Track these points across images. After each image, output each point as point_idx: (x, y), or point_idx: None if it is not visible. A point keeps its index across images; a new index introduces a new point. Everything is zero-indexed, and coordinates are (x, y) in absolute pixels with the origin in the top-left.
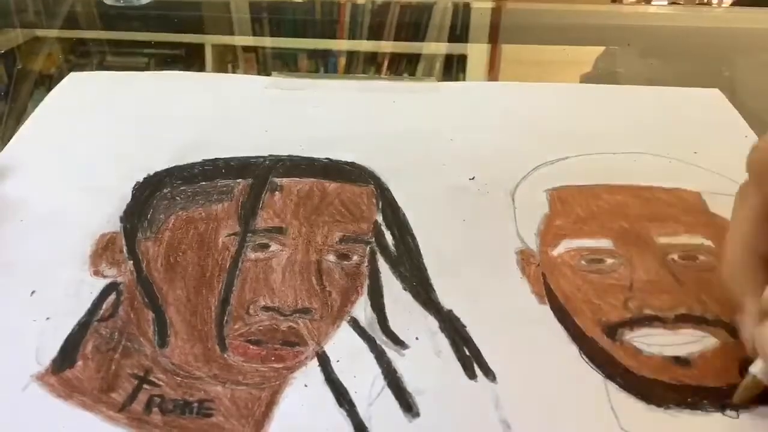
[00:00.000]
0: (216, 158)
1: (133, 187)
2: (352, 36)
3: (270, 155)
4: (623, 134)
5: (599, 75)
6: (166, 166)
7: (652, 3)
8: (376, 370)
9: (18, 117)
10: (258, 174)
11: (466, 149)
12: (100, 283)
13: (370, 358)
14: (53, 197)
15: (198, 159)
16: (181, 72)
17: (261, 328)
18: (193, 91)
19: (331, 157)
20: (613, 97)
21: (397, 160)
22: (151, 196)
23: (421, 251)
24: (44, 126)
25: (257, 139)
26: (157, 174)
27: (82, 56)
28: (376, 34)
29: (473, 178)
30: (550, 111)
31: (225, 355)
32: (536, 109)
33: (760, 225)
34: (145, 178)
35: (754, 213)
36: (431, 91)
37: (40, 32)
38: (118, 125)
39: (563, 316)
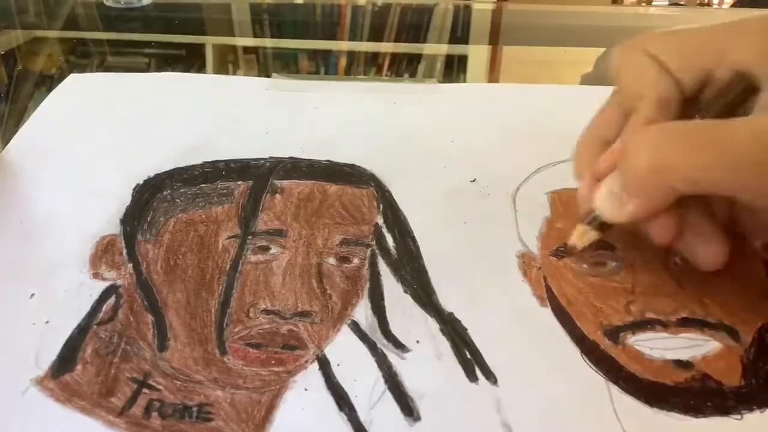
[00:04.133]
0: (216, 160)
1: (133, 189)
2: (353, 37)
3: (270, 157)
4: None
5: (600, 76)
6: (167, 168)
7: (653, 4)
8: (376, 373)
9: (18, 117)
10: (258, 176)
11: (467, 151)
12: (100, 286)
13: (370, 361)
14: (53, 199)
15: (198, 161)
16: (182, 74)
17: (261, 331)
18: (193, 93)
19: (331, 159)
20: None
21: (398, 162)
22: (151, 198)
23: (422, 254)
24: (44, 127)
25: (258, 140)
26: (157, 176)
27: (82, 57)
28: (376, 35)
29: (474, 180)
30: (552, 113)
31: (225, 359)
32: (537, 110)
33: (611, 113)
34: (145, 180)
35: (610, 104)
36: (432, 92)
37: (40, 33)
38: (119, 127)
39: (565, 319)
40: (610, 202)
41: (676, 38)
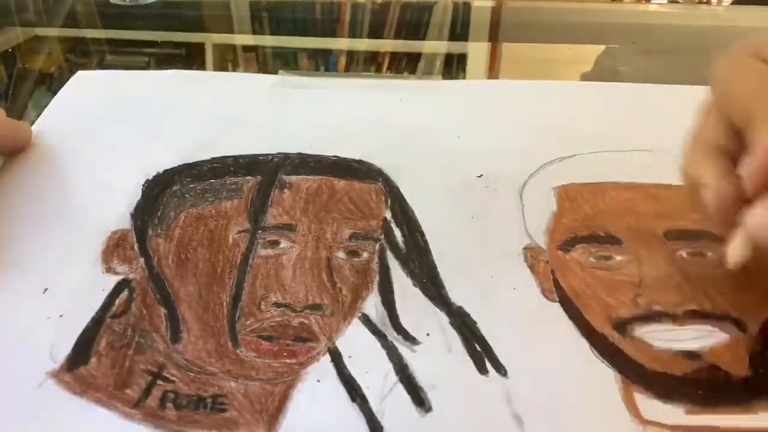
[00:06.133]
0: (224, 156)
1: (143, 185)
2: (353, 35)
3: (278, 153)
4: (630, 132)
5: (600, 73)
6: (176, 164)
7: (653, 1)
8: (387, 365)
9: (18, 116)
10: (267, 171)
11: (473, 147)
12: (113, 280)
13: (381, 353)
14: (64, 195)
15: (207, 157)
16: (189, 71)
17: (273, 324)
18: (201, 90)
19: (339, 154)
20: (620, 95)
21: (405, 158)
22: (161, 193)
23: (431, 248)
24: (54, 125)
25: (265, 136)
26: (166, 172)
27: (82, 55)
28: (376, 33)
29: (481, 176)
30: (558, 108)
31: (237, 351)
32: (543, 106)
33: (716, 120)
34: (155, 176)
35: (712, 111)
36: (438, 89)
37: (40, 31)
38: (127, 123)
39: (573, 312)
40: None
41: None
